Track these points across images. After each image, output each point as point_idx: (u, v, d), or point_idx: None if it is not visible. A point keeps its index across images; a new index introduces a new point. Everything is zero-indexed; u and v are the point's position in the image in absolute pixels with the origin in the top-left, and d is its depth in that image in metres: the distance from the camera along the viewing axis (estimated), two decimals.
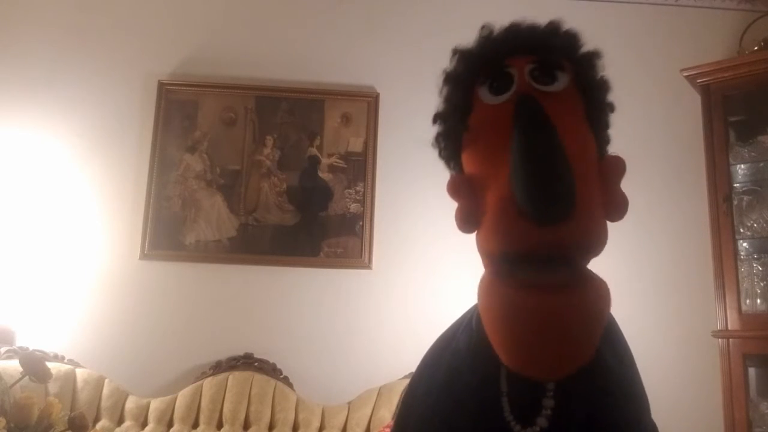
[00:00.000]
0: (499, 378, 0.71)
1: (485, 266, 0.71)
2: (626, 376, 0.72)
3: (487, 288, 0.68)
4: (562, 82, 0.72)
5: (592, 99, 0.74)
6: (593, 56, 0.77)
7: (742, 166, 2.39)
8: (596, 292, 0.65)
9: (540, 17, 0.77)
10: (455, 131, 0.76)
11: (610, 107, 0.78)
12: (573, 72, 0.74)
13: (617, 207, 0.69)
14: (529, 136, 0.63)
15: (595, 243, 0.66)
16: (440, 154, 0.79)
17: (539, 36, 0.75)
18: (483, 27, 0.77)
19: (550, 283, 0.63)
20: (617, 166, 0.71)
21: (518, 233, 0.63)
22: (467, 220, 0.71)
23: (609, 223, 0.70)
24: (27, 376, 1.65)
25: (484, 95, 0.73)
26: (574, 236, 0.63)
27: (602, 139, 0.76)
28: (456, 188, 0.72)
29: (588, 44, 0.77)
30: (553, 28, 0.76)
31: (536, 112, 0.64)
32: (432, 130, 0.80)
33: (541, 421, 0.67)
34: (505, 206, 0.64)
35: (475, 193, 0.71)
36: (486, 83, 0.73)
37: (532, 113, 0.65)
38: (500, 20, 0.77)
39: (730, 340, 2.22)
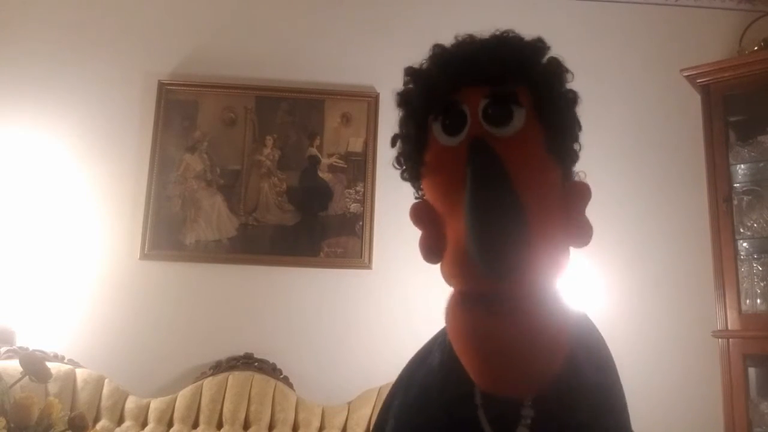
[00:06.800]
0: (473, 393, 0.71)
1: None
2: (605, 387, 0.72)
3: (450, 311, 0.71)
4: (518, 120, 0.68)
5: (554, 125, 0.70)
6: (555, 70, 0.73)
7: (742, 166, 2.39)
8: (546, 315, 0.67)
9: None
10: (413, 162, 0.75)
11: (578, 125, 0.74)
12: (531, 99, 0.69)
13: (581, 234, 0.70)
14: (481, 194, 0.63)
15: (550, 278, 0.68)
16: (402, 176, 0.78)
17: (493, 60, 0.69)
18: (434, 46, 0.75)
19: (504, 308, 0.65)
20: (582, 193, 0.70)
21: (472, 279, 0.66)
22: (430, 252, 0.72)
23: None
24: (27, 376, 1.65)
25: (438, 133, 0.71)
26: (526, 286, 0.65)
27: (568, 162, 0.73)
28: (418, 217, 0.73)
29: (550, 51, 0.72)
30: (508, 45, 0.71)
31: (489, 165, 0.64)
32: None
33: (522, 431, 0.67)
34: (460, 254, 0.67)
35: (438, 221, 0.71)
36: (439, 119, 0.71)
37: (485, 167, 0.64)
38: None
39: (730, 340, 2.22)
